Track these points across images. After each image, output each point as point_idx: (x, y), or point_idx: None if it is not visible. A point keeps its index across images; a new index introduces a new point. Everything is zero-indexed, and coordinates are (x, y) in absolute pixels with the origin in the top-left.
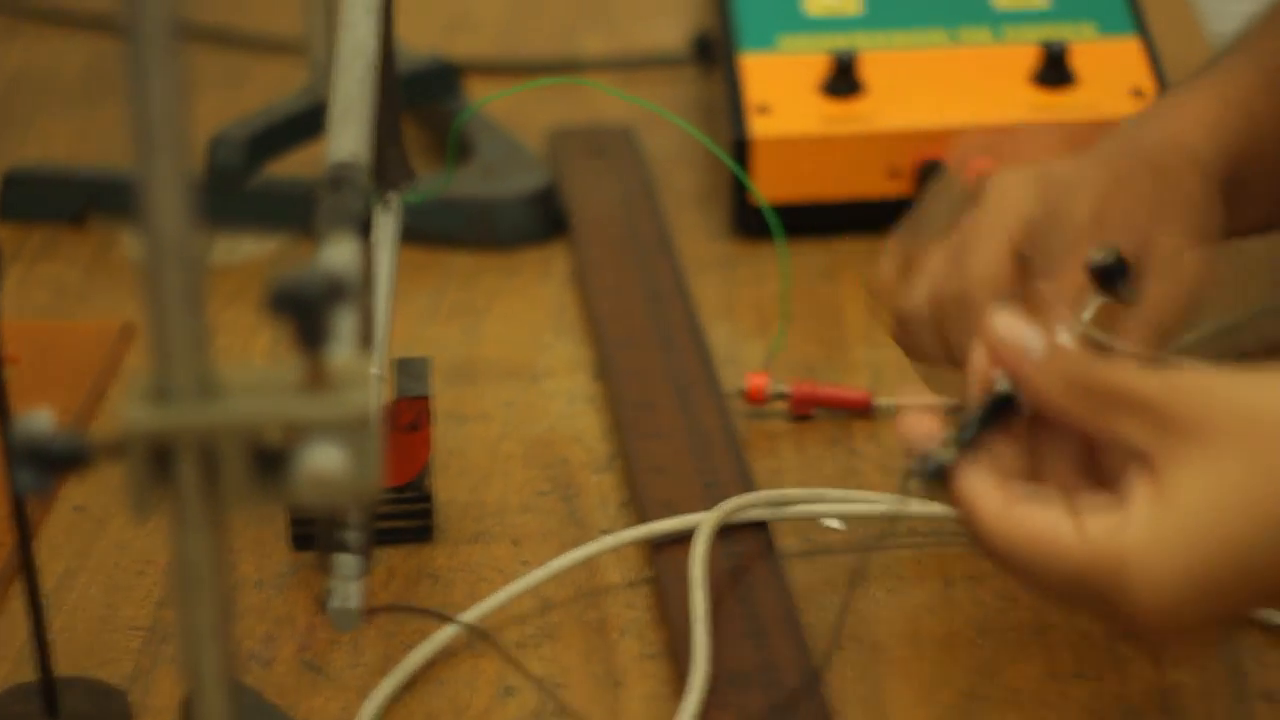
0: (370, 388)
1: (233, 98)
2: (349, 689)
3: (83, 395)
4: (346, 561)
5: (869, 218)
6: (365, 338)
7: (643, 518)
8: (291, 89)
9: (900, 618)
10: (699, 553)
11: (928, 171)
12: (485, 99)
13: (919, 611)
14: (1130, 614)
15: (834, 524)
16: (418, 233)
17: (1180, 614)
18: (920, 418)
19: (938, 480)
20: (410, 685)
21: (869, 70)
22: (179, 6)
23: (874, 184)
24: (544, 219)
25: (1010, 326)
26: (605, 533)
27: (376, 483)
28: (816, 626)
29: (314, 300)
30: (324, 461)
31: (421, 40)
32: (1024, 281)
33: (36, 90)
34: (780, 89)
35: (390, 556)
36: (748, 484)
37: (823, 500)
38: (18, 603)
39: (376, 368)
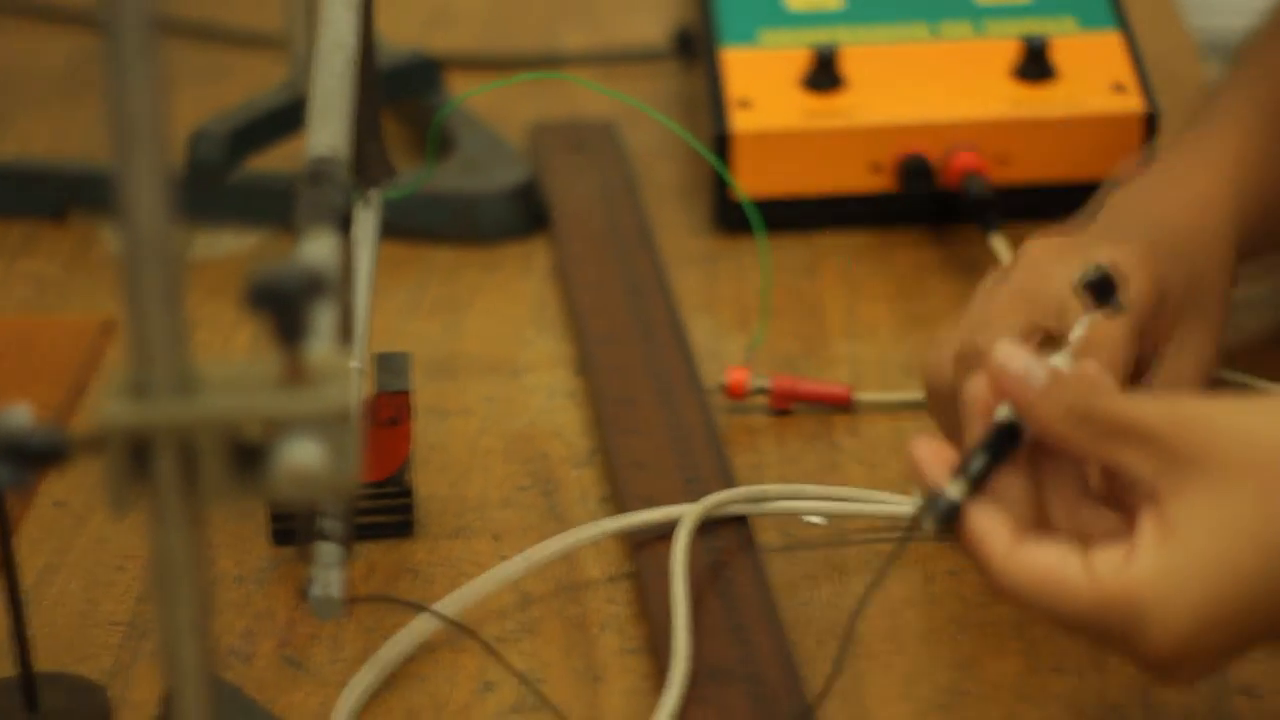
0: (350, 382)
1: (214, 92)
2: (329, 684)
3: (63, 391)
4: (328, 550)
5: (850, 212)
6: (345, 332)
7: (623, 513)
8: (273, 84)
9: (881, 612)
10: (680, 547)
11: (909, 166)
12: (466, 94)
13: (900, 606)
14: (1144, 651)
15: (815, 519)
16: (399, 227)
17: (1193, 649)
18: (930, 446)
19: (950, 519)
20: (390, 680)
21: (850, 65)
22: (158, 1)
23: (855, 179)
24: (525, 214)
25: (1012, 355)
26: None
27: (355, 477)
28: (797, 622)
29: (292, 295)
30: (303, 456)
31: (402, 35)
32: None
33: (17, 85)
34: (761, 83)
35: (370, 551)
36: (728, 479)
37: (803, 497)
38: None
39: (357, 362)
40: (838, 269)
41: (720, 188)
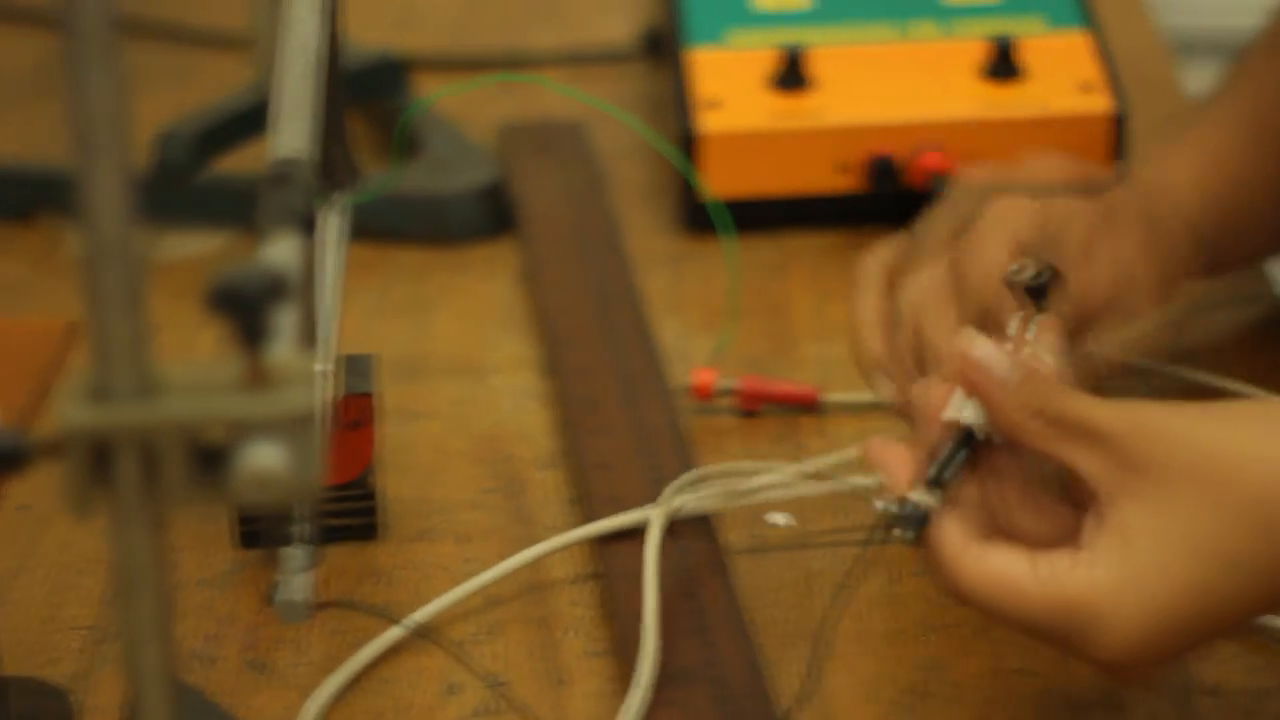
0: (312, 385)
1: (181, 94)
2: (293, 688)
3: (27, 393)
4: (294, 554)
5: (818, 213)
6: (308, 335)
7: (589, 514)
8: (241, 85)
9: (846, 614)
10: (651, 549)
11: (877, 166)
12: (434, 95)
13: (865, 608)
14: (1093, 653)
15: (780, 520)
16: (365, 228)
17: (1142, 653)
18: (891, 450)
19: (921, 527)
20: (354, 683)
21: (818, 65)
22: (118, 1)
23: (823, 179)
24: (493, 214)
25: (986, 350)
26: (552, 529)
27: (318, 480)
28: (762, 623)
29: (254, 298)
30: (265, 460)
31: (370, 36)
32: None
33: None
34: (729, 84)
35: (335, 554)
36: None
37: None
38: None
39: (322, 364)
40: (806, 269)
41: (688, 188)
